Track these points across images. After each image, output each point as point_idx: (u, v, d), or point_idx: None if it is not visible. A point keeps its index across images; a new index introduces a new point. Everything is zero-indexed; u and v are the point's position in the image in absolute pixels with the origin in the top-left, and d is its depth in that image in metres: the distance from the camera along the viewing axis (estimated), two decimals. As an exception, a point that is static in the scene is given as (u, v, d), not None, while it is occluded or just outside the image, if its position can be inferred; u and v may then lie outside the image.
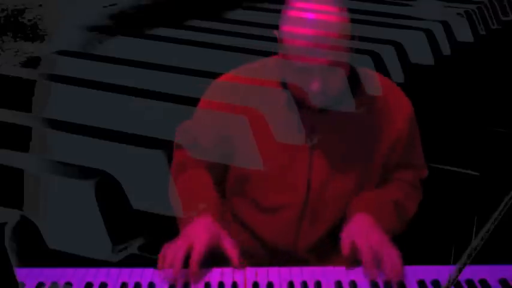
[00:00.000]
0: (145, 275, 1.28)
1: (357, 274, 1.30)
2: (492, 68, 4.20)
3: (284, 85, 1.40)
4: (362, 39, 1.46)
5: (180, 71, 3.28)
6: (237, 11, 4.92)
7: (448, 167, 2.77)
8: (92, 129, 2.61)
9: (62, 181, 2.21)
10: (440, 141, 2.88)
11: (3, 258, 1.17)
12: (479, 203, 2.23)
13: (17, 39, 3.38)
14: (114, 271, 1.28)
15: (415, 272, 1.30)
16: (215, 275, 1.30)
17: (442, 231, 2.29)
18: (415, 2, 5.54)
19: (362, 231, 1.36)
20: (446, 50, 4.67)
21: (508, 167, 2.70)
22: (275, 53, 1.45)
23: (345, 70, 1.35)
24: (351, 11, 1.35)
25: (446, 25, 4.88)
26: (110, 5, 4.18)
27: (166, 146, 2.20)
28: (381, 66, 3.66)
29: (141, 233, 2.19)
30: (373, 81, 1.49)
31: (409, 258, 1.31)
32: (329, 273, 1.31)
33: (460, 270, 1.02)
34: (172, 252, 1.28)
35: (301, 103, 1.39)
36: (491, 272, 1.30)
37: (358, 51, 1.39)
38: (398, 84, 1.54)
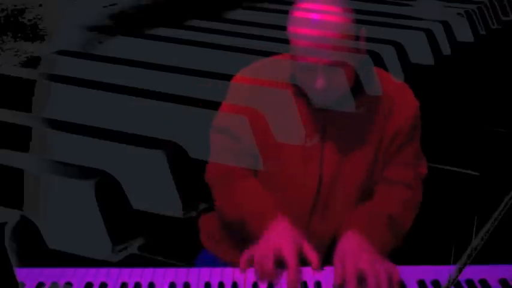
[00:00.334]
0: (145, 275, 1.28)
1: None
2: (492, 68, 4.20)
3: (293, 84, 1.44)
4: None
5: (180, 71, 3.28)
6: (237, 11, 4.91)
7: (448, 167, 2.77)
8: (92, 129, 2.60)
9: (62, 181, 2.21)
10: (440, 141, 2.88)
11: (3, 258, 1.17)
12: (479, 203, 2.23)
13: (17, 39, 3.38)
14: (114, 271, 1.28)
15: (415, 272, 1.30)
16: (215, 275, 1.30)
17: (442, 231, 2.28)
18: (415, 2, 5.54)
19: (353, 253, 1.36)
20: (446, 50, 4.67)
21: (508, 167, 2.69)
22: (275, 53, 1.47)
23: (350, 70, 1.37)
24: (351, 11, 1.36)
25: (446, 25, 4.88)
26: (110, 5, 4.17)
27: (166, 146, 2.20)
28: (380, 66, 3.64)
29: (141, 233, 2.19)
30: (375, 81, 1.52)
31: (409, 258, 1.31)
32: (329, 273, 1.31)
33: (460, 270, 1.02)
34: (260, 258, 1.29)
35: (310, 101, 1.43)
36: (491, 272, 1.30)
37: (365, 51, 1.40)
38: (399, 84, 1.56)
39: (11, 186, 2.17)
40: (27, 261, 1.54)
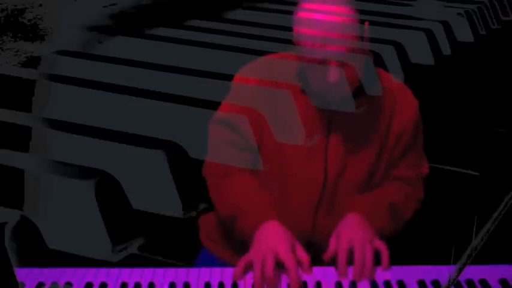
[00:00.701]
0: (145, 275, 1.28)
1: (357, 274, 1.30)
2: (492, 68, 4.20)
3: (296, 84, 1.45)
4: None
5: (180, 71, 3.28)
6: (237, 11, 4.91)
7: (448, 167, 2.77)
8: (92, 129, 2.60)
9: (62, 181, 2.21)
10: (440, 141, 2.88)
11: (3, 258, 1.17)
12: (479, 203, 2.23)
13: (17, 39, 3.37)
14: (114, 271, 1.29)
15: (415, 272, 1.30)
16: (215, 275, 1.30)
17: (442, 231, 2.29)
18: (415, 2, 5.54)
19: (349, 230, 1.38)
20: (446, 50, 4.67)
21: (508, 167, 2.70)
22: (275, 53, 1.48)
23: (353, 70, 1.39)
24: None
25: (446, 25, 4.88)
26: (110, 5, 4.17)
27: (166, 146, 2.20)
28: (380, 66, 3.65)
29: (141, 233, 2.19)
30: (377, 81, 1.54)
31: (409, 258, 1.31)
32: (329, 273, 1.31)
33: (460, 270, 1.02)
34: (259, 262, 1.29)
35: (317, 99, 1.44)
36: (491, 272, 1.31)
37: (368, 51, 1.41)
38: (399, 84, 1.57)
39: (11, 186, 2.17)
40: (27, 261, 1.54)
